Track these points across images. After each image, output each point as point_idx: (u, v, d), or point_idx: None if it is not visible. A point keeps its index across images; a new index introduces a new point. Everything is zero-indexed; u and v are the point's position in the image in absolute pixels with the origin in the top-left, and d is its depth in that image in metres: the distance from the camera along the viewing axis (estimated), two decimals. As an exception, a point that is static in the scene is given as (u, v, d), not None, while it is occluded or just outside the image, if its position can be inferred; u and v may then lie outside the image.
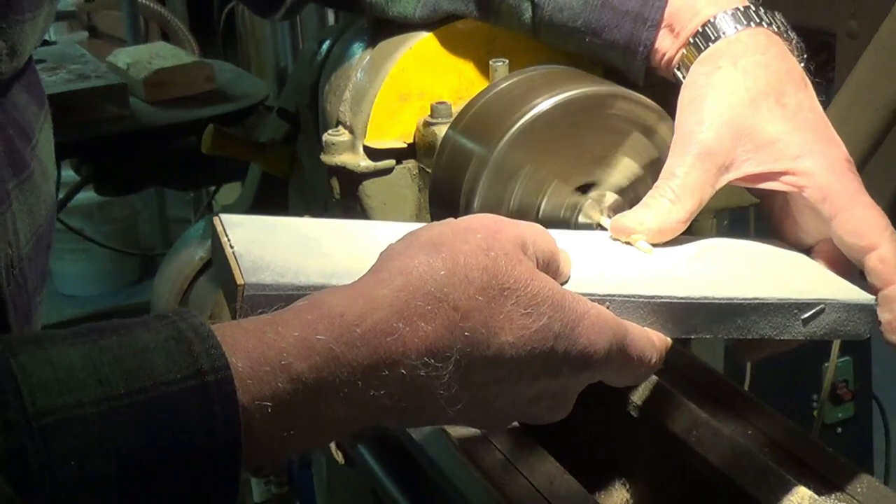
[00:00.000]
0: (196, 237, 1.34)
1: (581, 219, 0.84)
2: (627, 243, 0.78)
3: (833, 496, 0.80)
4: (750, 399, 0.92)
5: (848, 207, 0.76)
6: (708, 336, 0.70)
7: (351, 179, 0.96)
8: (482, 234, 0.61)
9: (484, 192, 0.82)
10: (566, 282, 0.67)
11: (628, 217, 0.78)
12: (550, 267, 0.65)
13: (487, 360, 0.60)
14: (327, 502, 1.27)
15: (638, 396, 0.94)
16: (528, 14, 0.92)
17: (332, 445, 1.05)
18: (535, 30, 0.93)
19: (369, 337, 0.56)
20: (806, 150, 0.78)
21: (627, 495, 0.97)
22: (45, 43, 1.99)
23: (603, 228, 0.83)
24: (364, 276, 0.60)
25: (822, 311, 0.71)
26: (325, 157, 0.97)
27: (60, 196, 1.99)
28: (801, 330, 0.72)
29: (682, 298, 0.69)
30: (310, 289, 0.61)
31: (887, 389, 2.03)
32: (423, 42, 0.97)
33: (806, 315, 0.71)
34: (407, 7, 0.97)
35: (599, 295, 0.67)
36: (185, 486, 0.51)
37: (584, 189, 0.84)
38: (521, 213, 0.83)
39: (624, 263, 0.76)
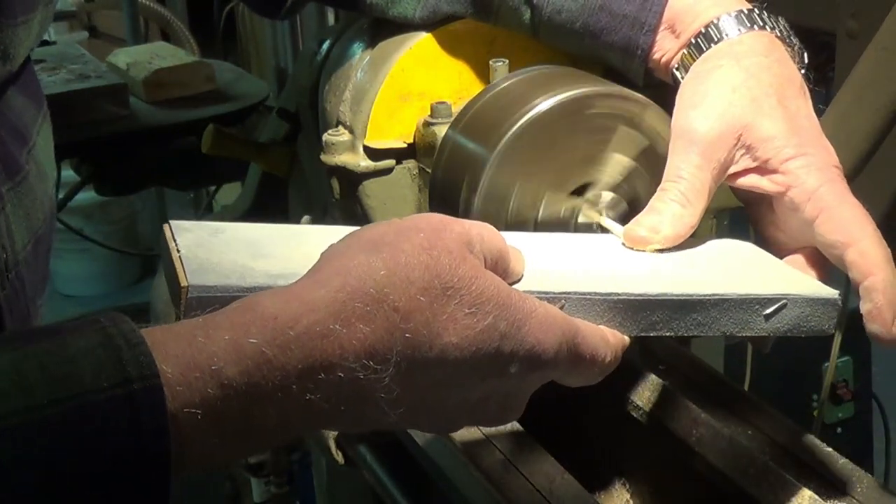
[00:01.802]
0: (196, 237, 1.34)
1: (581, 220, 0.84)
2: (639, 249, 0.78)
3: (833, 496, 0.80)
4: (750, 399, 0.92)
5: (832, 207, 0.76)
6: (668, 334, 0.69)
7: (351, 179, 0.96)
8: (425, 232, 0.60)
9: (484, 191, 0.82)
10: (518, 281, 0.66)
11: (642, 226, 0.77)
12: (499, 266, 0.64)
13: (430, 361, 0.58)
14: (327, 502, 1.27)
15: (638, 396, 0.94)
16: (526, 16, 0.92)
17: (333, 445, 1.05)
18: (534, 30, 0.93)
19: (304, 339, 0.54)
20: (799, 152, 0.77)
21: (627, 495, 0.98)
22: (45, 43, 1.98)
23: (603, 229, 0.83)
24: (302, 277, 0.58)
25: (784, 306, 0.70)
26: (325, 157, 0.97)
27: (60, 196, 1.99)
28: (764, 326, 0.70)
29: (638, 295, 0.68)
30: (255, 290, 0.59)
31: (887, 389, 2.03)
32: (423, 42, 0.97)
33: (768, 310, 0.70)
34: (407, 8, 0.97)
35: (553, 293, 0.65)
36: (112, 497, 0.49)
37: (580, 191, 0.84)
38: (520, 223, 0.83)
39: (583, 262, 0.75)
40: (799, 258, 0.80)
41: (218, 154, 1.23)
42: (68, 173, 1.87)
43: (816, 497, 0.79)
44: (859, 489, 0.81)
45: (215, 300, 0.58)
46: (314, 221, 1.11)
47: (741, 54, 0.80)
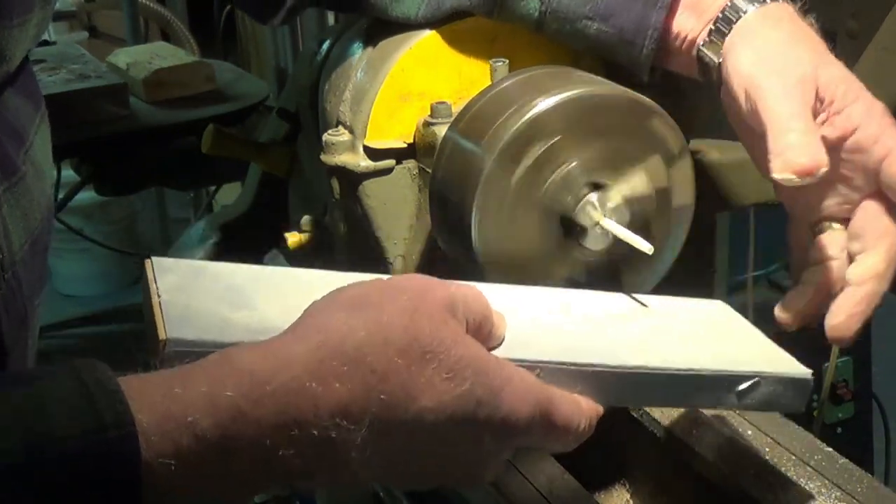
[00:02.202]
0: (196, 237, 1.34)
1: (580, 217, 0.84)
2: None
3: (833, 496, 0.80)
4: (750, 399, 0.92)
5: None
6: (640, 406, 0.70)
7: (351, 179, 0.96)
8: (409, 294, 0.60)
9: (484, 191, 0.82)
10: (499, 345, 0.66)
11: (799, 156, 0.73)
12: (482, 330, 0.64)
13: (406, 424, 0.58)
14: (327, 502, 1.27)
15: (638, 396, 0.94)
16: (534, 3, 0.91)
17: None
18: (540, 20, 0.92)
19: (279, 395, 0.54)
20: (859, 97, 0.78)
21: (627, 495, 0.97)
22: (45, 43, 1.99)
23: (602, 228, 0.83)
24: (282, 333, 0.58)
25: (757, 384, 0.71)
26: (325, 157, 0.97)
27: (60, 196, 1.99)
28: (735, 402, 0.71)
29: (613, 367, 0.68)
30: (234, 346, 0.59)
31: (887, 389, 2.03)
32: (424, 42, 0.97)
33: (741, 387, 0.71)
34: (410, 7, 0.97)
35: (529, 361, 0.65)
36: None
37: (594, 188, 0.84)
38: (523, 209, 0.82)
39: (564, 326, 0.75)
40: (874, 205, 0.79)
41: (218, 154, 1.23)
42: (68, 173, 1.88)
43: (816, 497, 0.79)
44: (859, 489, 0.81)
45: (193, 354, 0.58)
46: (314, 221, 1.11)
47: (777, 19, 0.81)
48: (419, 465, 0.61)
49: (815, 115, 0.77)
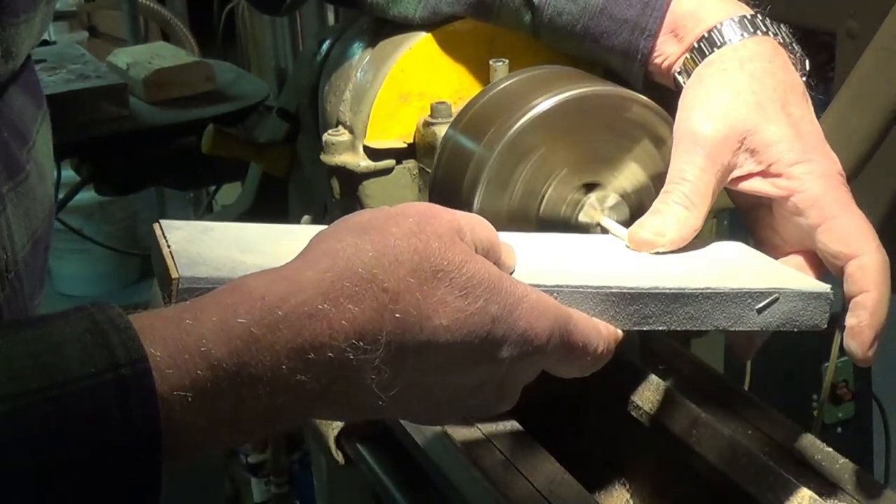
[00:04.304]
0: (196, 237, 1.34)
1: (582, 217, 0.84)
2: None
3: (833, 496, 0.80)
4: (750, 399, 0.92)
5: (837, 215, 0.76)
6: (661, 328, 0.69)
7: (351, 179, 0.96)
8: (414, 218, 0.60)
9: (484, 191, 0.82)
10: (510, 273, 0.65)
11: (646, 229, 0.77)
12: (490, 255, 0.63)
13: (421, 344, 0.57)
14: (327, 502, 1.27)
15: (638, 396, 0.94)
16: (527, 18, 0.92)
17: (332, 445, 1.05)
18: (535, 32, 0.93)
19: (292, 319, 0.54)
20: (804, 158, 0.77)
21: (627, 495, 0.98)
22: (45, 43, 1.98)
23: (603, 229, 0.83)
24: (292, 260, 0.58)
25: (776, 300, 0.70)
26: (325, 157, 0.97)
27: (60, 196, 1.99)
28: (756, 320, 0.71)
29: (631, 288, 0.68)
30: None
31: (887, 389, 2.03)
32: (423, 42, 0.97)
33: (760, 304, 0.70)
34: (408, 8, 0.97)
35: (545, 286, 0.65)
36: (104, 483, 0.49)
37: (589, 188, 0.84)
38: (522, 209, 0.83)
39: (576, 258, 0.75)
40: (797, 258, 0.80)
41: (218, 154, 1.23)
42: (68, 173, 1.87)
43: (816, 497, 0.80)
44: (859, 489, 0.81)
45: (205, 292, 0.57)
46: (314, 222, 1.11)
47: (745, 59, 0.80)
48: (437, 390, 0.60)
49: (749, 174, 0.79)
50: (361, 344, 0.55)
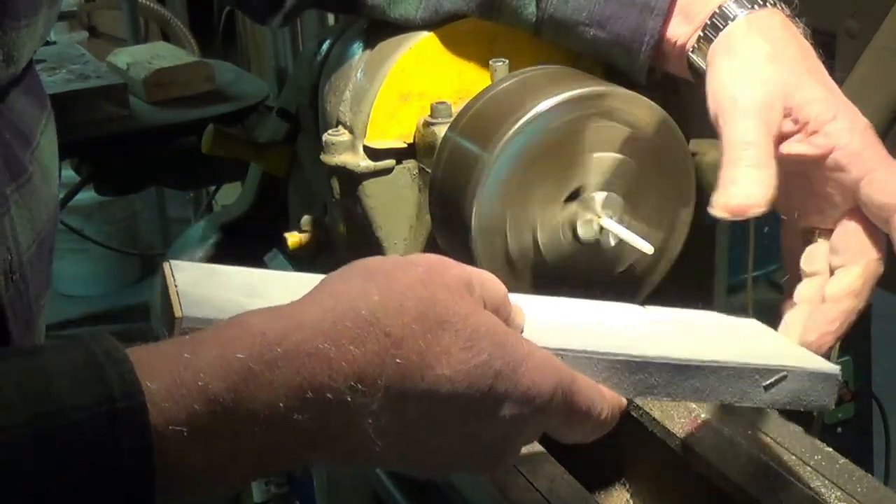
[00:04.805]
0: (196, 237, 1.34)
1: (582, 232, 0.84)
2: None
3: (833, 496, 0.80)
4: (750, 399, 0.91)
5: (878, 168, 0.76)
6: (665, 399, 0.69)
7: (351, 179, 0.96)
8: (424, 267, 0.59)
9: (484, 191, 0.82)
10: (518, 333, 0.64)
11: (734, 197, 0.74)
12: (500, 314, 0.62)
13: (421, 392, 0.56)
14: (327, 502, 1.27)
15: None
16: (531, 8, 0.92)
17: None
18: (537, 25, 0.92)
19: (292, 357, 0.53)
20: (838, 114, 0.77)
21: (627, 495, 0.98)
22: (45, 43, 1.98)
23: (605, 229, 0.83)
24: (296, 300, 0.58)
25: (783, 377, 0.70)
26: (325, 157, 0.97)
27: (60, 196, 1.99)
28: (763, 397, 0.70)
29: (637, 357, 0.67)
30: None
31: (887, 389, 2.03)
32: (423, 42, 0.97)
33: (767, 381, 0.69)
34: (409, 9, 0.97)
35: (552, 348, 0.64)
36: None
37: (574, 196, 0.84)
38: (521, 223, 0.83)
39: (583, 323, 0.75)
40: (851, 224, 0.78)
41: (218, 154, 1.23)
42: (68, 173, 1.87)
43: (816, 497, 0.80)
44: (859, 489, 0.81)
45: None
46: (314, 221, 1.11)
47: (763, 28, 0.80)
48: (437, 442, 0.59)
49: (784, 136, 0.77)
50: (360, 386, 0.55)
